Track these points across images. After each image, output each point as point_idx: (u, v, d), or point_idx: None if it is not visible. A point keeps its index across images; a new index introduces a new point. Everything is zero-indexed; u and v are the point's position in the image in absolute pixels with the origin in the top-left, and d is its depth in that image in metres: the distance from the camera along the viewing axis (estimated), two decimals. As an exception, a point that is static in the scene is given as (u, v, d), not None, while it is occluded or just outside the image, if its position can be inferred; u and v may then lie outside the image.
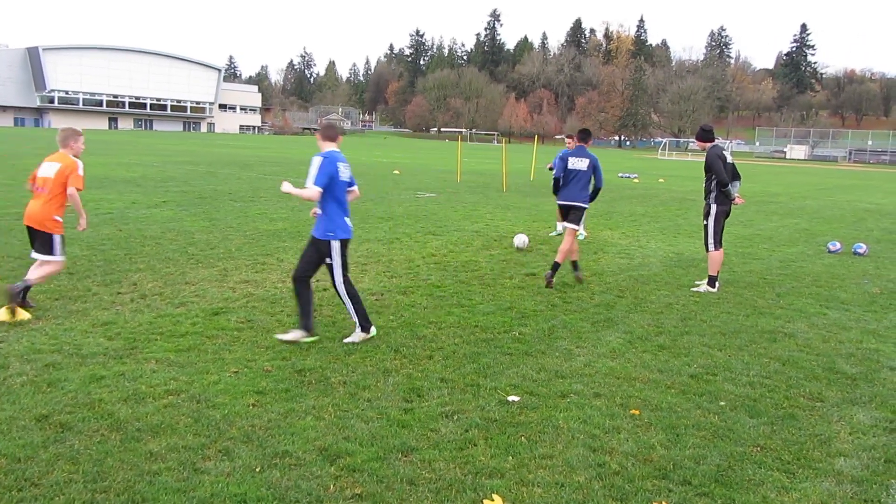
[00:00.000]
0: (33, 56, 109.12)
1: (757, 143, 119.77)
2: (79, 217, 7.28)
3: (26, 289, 6.86)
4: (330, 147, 6.50)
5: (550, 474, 4.14)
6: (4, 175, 21.23)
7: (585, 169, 9.23)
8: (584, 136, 9.57)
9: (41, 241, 7.03)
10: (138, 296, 7.79)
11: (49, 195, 6.95)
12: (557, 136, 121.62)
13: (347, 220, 6.54)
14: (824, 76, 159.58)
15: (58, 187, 6.96)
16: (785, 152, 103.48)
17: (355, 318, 6.50)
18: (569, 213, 9.37)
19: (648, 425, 4.89)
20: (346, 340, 6.42)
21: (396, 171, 31.95)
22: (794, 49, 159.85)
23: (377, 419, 4.78)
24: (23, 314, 6.67)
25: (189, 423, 4.59)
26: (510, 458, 4.32)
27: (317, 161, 6.30)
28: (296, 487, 3.87)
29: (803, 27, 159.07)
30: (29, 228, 7.11)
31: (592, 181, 9.33)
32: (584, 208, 9.36)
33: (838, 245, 13.15)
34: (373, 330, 6.59)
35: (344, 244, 6.48)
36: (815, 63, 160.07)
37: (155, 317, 7.00)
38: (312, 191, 6.26)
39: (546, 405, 5.16)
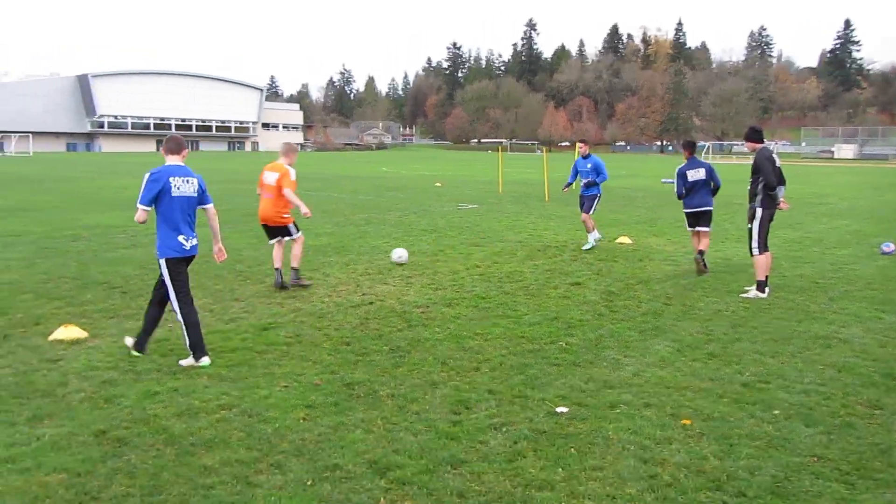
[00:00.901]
0: (83, 83, 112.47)
1: (803, 144, 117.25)
2: (300, 208, 9.00)
3: (296, 270, 9.17)
4: (172, 161, 6.32)
5: (601, 486, 4.09)
6: (58, 198, 21.89)
7: (704, 177, 10.73)
8: (692, 146, 11.12)
9: (281, 231, 9.12)
10: (189, 313, 7.93)
11: (275, 197, 8.97)
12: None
13: (182, 237, 6.20)
14: (871, 72, 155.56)
15: (278, 192, 8.94)
16: (832, 152, 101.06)
17: (186, 343, 6.17)
18: (699, 218, 10.81)
19: (700, 435, 4.81)
20: (181, 363, 6.15)
21: (438, 184, 32.08)
22: (837, 46, 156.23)
23: (426, 432, 4.80)
24: (80, 332, 6.86)
25: (241, 438, 4.66)
26: (560, 470, 4.29)
27: (144, 178, 6.15)
28: (347, 501, 3.90)
29: (847, 23, 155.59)
30: (265, 226, 9.19)
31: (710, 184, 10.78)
32: (711, 209, 10.84)
33: (892, 246, 12.78)
34: (205, 360, 6.14)
35: (177, 263, 6.19)
36: (860, 59, 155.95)
37: (206, 333, 7.08)
38: (137, 211, 6.12)
39: (595, 416, 5.12)
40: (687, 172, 10.74)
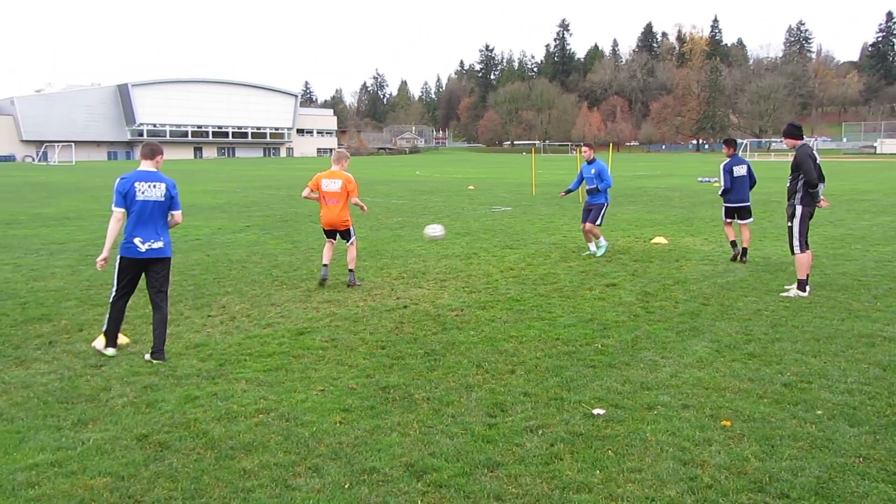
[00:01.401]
0: (123, 92, 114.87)
1: (844, 139, 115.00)
2: (361, 209, 9.89)
3: (351, 272, 9.78)
4: (145, 166, 6.62)
5: (640, 489, 4.05)
6: (102, 207, 22.35)
7: (745, 173, 11.44)
8: (734, 143, 11.78)
9: (343, 234, 9.73)
10: (227, 318, 8.07)
11: (340, 204, 9.49)
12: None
13: (139, 240, 6.47)
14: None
15: (343, 196, 9.47)
16: (875, 147, 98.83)
17: (103, 327, 6.75)
18: (741, 212, 11.49)
19: (741, 437, 4.74)
20: (93, 344, 6.84)
21: (471, 187, 32.09)
22: (879, 39, 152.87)
23: (461, 435, 4.80)
24: (123, 338, 7.00)
25: (279, 441, 4.71)
26: (598, 472, 4.26)
27: (115, 183, 6.57)
28: None
29: (889, 16, 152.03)
30: (327, 230, 9.73)
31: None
32: (750, 203, 11.57)
33: (939, 242, 12.45)
34: (110, 350, 6.61)
35: (129, 263, 6.55)
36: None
37: (244, 338, 7.23)
38: (112, 215, 6.55)
39: (632, 418, 5.07)
40: (733, 168, 11.36)
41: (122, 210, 6.50)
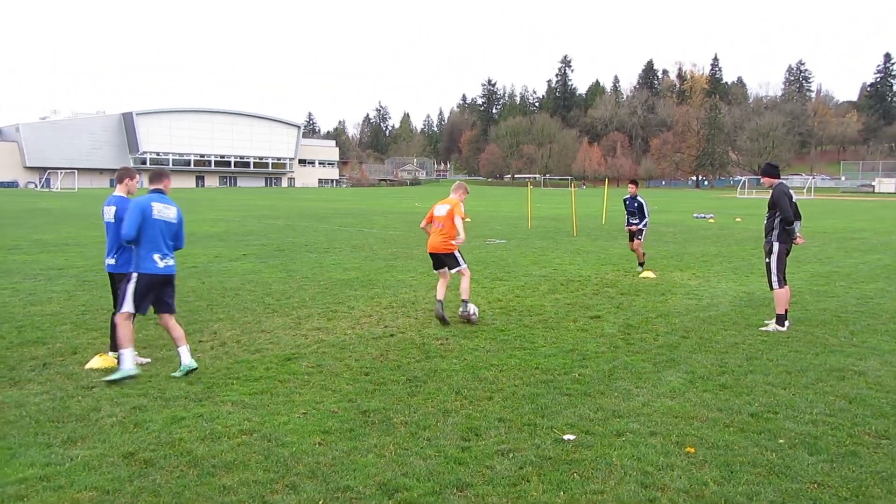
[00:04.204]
0: (127, 121, 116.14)
1: (843, 178, 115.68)
2: (460, 234, 9.71)
3: (465, 302, 9.50)
4: (118, 191, 7.46)
5: (600, 509, 4.25)
6: (102, 233, 22.62)
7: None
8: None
9: (449, 261, 9.66)
10: (218, 343, 8.28)
11: (445, 228, 9.61)
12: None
13: (108, 257, 7.40)
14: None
15: (449, 221, 9.63)
16: (873, 186, 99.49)
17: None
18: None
19: (703, 462, 4.93)
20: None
21: (467, 219, 32.36)
22: (878, 80, 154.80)
23: (435, 457, 5.00)
24: (114, 362, 7.21)
25: (260, 460, 4.91)
26: (562, 493, 4.45)
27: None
28: (355, 519, 4.12)
29: (887, 57, 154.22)
30: (433, 255, 9.82)
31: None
32: None
33: (921, 281, 12.68)
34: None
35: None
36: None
37: (232, 363, 7.44)
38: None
39: (601, 443, 5.27)
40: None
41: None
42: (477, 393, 6.45)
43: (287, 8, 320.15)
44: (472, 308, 9.50)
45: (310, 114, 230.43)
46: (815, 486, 4.59)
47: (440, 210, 9.81)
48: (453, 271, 9.72)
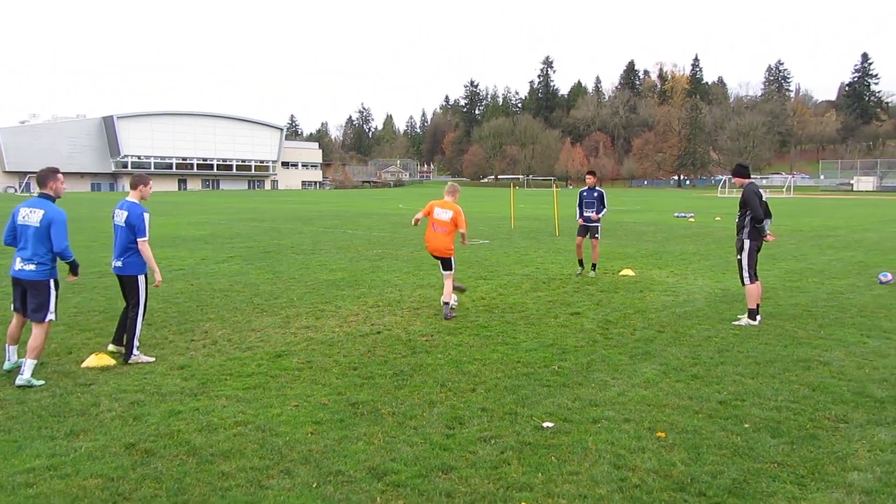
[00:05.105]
0: (108, 124, 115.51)
1: (822, 177, 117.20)
2: (462, 240, 10.42)
3: (447, 304, 10.01)
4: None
5: (575, 488, 4.57)
6: (86, 237, 22.74)
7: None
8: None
9: (445, 263, 10.17)
10: (210, 342, 8.54)
11: (447, 232, 10.07)
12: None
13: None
14: (890, 105, 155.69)
15: (451, 226, 10.07)
16: (851, 184, 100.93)
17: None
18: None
19: (672, 446, 5.27)
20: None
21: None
22: (855, 79, 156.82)
23: (421, 444, 5.30)
24: (110, 360, 7.46)
25: (255, 449, 5.20)
26: (540, 474, 4.77)
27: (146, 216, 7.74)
28: (347, 500, 4.41)
29: (864, 56, 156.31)
30: (435, 255, 10.23)
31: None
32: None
33: (889, 276, 13.14)
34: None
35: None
36: (879, 92, 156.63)
37: (224, 360, 7.70)
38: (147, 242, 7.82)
39: (578, 430, 5.59)
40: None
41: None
42: (461, 385, 6.76)
43: (269, 10, 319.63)
44: (453, 302, 10.29)
45: (292, 116, 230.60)
46: (776, 465, 4.94)
47: (442, 214, 10.15)
48: (446, 273, 10.23)
